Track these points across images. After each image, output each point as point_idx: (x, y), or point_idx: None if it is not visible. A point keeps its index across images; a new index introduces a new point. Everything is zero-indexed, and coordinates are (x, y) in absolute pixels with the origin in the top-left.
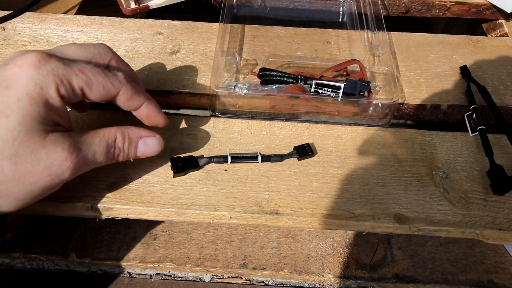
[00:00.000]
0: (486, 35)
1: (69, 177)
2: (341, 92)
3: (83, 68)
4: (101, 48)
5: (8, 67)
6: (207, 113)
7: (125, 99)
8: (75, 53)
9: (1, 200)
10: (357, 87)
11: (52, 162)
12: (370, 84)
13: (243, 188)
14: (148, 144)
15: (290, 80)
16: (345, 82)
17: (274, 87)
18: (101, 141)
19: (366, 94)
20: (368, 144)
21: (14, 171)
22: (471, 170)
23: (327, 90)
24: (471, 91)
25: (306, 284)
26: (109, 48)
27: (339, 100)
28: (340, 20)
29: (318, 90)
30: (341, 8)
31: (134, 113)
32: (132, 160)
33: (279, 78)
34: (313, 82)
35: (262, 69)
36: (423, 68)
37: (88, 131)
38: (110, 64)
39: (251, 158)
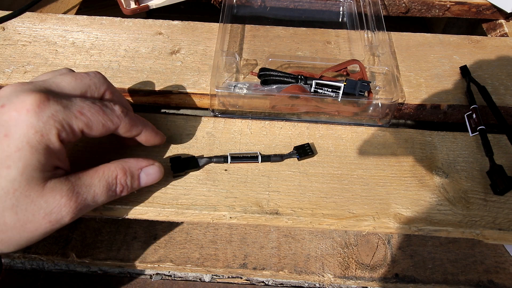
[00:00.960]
0: (486, 35)
1: (69, 221)
2: (341, 92)
3: (82, 109)
4: (96, 79)
5: (5, 110)
6: (207, 113)
7: (124, 132)
8: (70, 85)
9: (2, 246)
10: (357, 87)
11: (52, 210)
12: (370, 84)
13: (243, 188)
14: (149, 174)
15: (290, 80)
16: (345, 82)
17: (274, 87)
18: (101, 181)
19: (366, 94)
20: (368, 144)
21: (15, 221)
22: (471, 170)
23: (327, 90)
24: (471, 91)
25: (306, 284)
26: (104, 77)
27: (339, 100)
28: (340, 20)
29: (318, 90)
30: (341, 8)
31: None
32: (135, 192)
33: (279, 78)
34: (313, 82)
35: (262, 69)
36: (423, 68)
37: (87, 170)
38: (105, 95)
39: (251, 158)
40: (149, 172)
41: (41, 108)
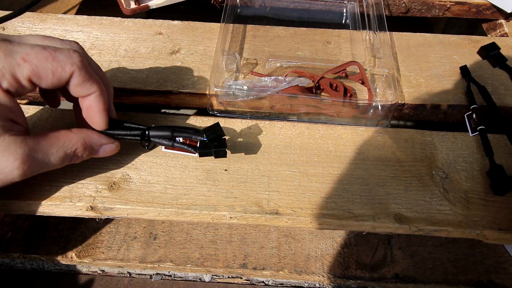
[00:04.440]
0: (486, 35)
1: (18, 180)
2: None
3: (27, 56)
4: (68, 43)
5: None
6: (207, 113)
7: (76, 84)
8: (35, 41)
9: None
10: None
11: (2, 169)
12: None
13: (243, 188)
14: (105, 150)
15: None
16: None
17: (271, 86)
18: (59, 151)
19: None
20: (368, 144)
21: None
22: (471, 170)
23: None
24: (471, 91)
25: (306, 284)
26: (79, 45)
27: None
28: (343, 22)
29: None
30: (344, 10)
31: (80, 100)
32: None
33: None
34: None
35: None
36: (423, 68)
37: (47, 135)
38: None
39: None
40: (106, 149)
41: None
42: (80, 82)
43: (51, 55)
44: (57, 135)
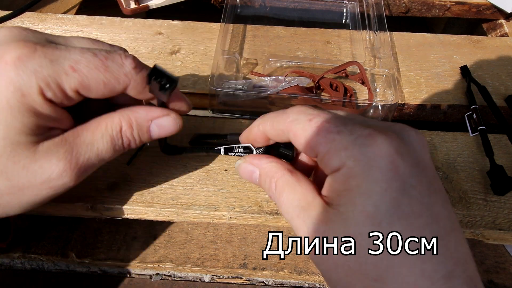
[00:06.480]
0: (486, 35)
1: (74, 184)
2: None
3: (77, 63)
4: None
5: None
6: (207, 113)
7: (135, 94)
8: (80, 44)
9: (4, 209)
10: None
11: (49, 176)
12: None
13: (243, 188)
14: (162, 126)
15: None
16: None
17: (271, 85)
18: (104, 136)
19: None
20: None
21: (10, 187)
22: (471, 170)
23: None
24: (471, 91)
25: (306, 284)
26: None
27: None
28: (343, 22)
29: (229, 153)
30: (344, 10)
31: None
32: (148, 144)
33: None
34: (222, 148)
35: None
36: (423, 68)
37: (87, 125)
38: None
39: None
40: (162, 124)
41: (22, 62)
42: (139, 90)
43: (103, 63)
44: (98, 120)
